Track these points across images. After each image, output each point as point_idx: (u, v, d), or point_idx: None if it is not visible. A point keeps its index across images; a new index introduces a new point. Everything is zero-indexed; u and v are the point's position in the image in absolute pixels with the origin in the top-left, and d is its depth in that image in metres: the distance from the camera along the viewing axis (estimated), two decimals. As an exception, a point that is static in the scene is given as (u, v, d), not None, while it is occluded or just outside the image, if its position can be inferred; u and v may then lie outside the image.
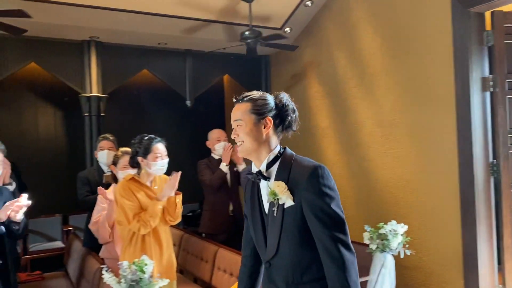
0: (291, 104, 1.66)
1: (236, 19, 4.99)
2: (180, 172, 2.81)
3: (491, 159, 3.48)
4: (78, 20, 4.58)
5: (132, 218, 2.67)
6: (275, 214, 1.57)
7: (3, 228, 2.37)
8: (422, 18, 3.85)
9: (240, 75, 6.14)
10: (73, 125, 5.94)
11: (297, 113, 1.68)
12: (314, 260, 1.54)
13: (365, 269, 3.14)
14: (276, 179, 1.58)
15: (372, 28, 4.42)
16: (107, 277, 2.12)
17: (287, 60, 5.86)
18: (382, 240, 2.83)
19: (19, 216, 2.44)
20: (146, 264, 2.07)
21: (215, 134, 4.14)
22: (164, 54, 5.67)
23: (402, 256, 2.89)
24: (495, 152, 3.47)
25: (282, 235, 1.56)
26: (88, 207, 3.74)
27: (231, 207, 4.10)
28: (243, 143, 1.62)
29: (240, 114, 1.62)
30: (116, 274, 2.15)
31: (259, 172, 1.62)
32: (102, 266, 2.26)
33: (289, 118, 1.65)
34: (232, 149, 3.90)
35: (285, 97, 1.66)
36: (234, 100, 1.67)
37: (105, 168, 3.85)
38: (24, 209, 2.44)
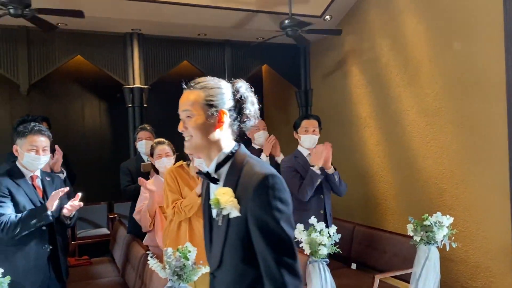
0: (250, 96, 1.42)
1: (276, 8, 4.95)
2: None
3: (544, 149, 3.31)
4: (120, 13, 4.69)
5: (170, 203, 2.76)
6: (219, 224, 1.35)
7: (51, 216, 2.47)
8: (470, 1, 3.69)
9: (279, 65, 6.09)
10: (117, 116, 6.12)
11: (256, 106, 1.44)
12: (258, 279, 1.31)
13: (408, 262, 3.09)
14: (225, 183, 1.36)
15: (416, 13, 4.27)
16: (153, 263, 2.18)
17: (327, 49, 5.76)
18: (426, 232, 2.77)
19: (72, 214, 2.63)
20: (189, 251, 2.11)
21: (254, 123, 4.14)
22: (204, 45, 5.72)
23: (448, 248, 2.82)
24: (549, 142, 3.30)
25: (225, 248, 1.35)
26: (129, 196, 3.86)
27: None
28: (191, 138, 1.37)
29: (190, 104, 1.37)
30: (160, 261, 2.21)
31: (207, 173, 1.40)
32: (147, 252, 2.32)
33: (247, 111, 1.41)
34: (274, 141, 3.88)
35: (243, 86, 1.42)
36: (184, 86, 1.44)
37: (145, 158, 3.93)
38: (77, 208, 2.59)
